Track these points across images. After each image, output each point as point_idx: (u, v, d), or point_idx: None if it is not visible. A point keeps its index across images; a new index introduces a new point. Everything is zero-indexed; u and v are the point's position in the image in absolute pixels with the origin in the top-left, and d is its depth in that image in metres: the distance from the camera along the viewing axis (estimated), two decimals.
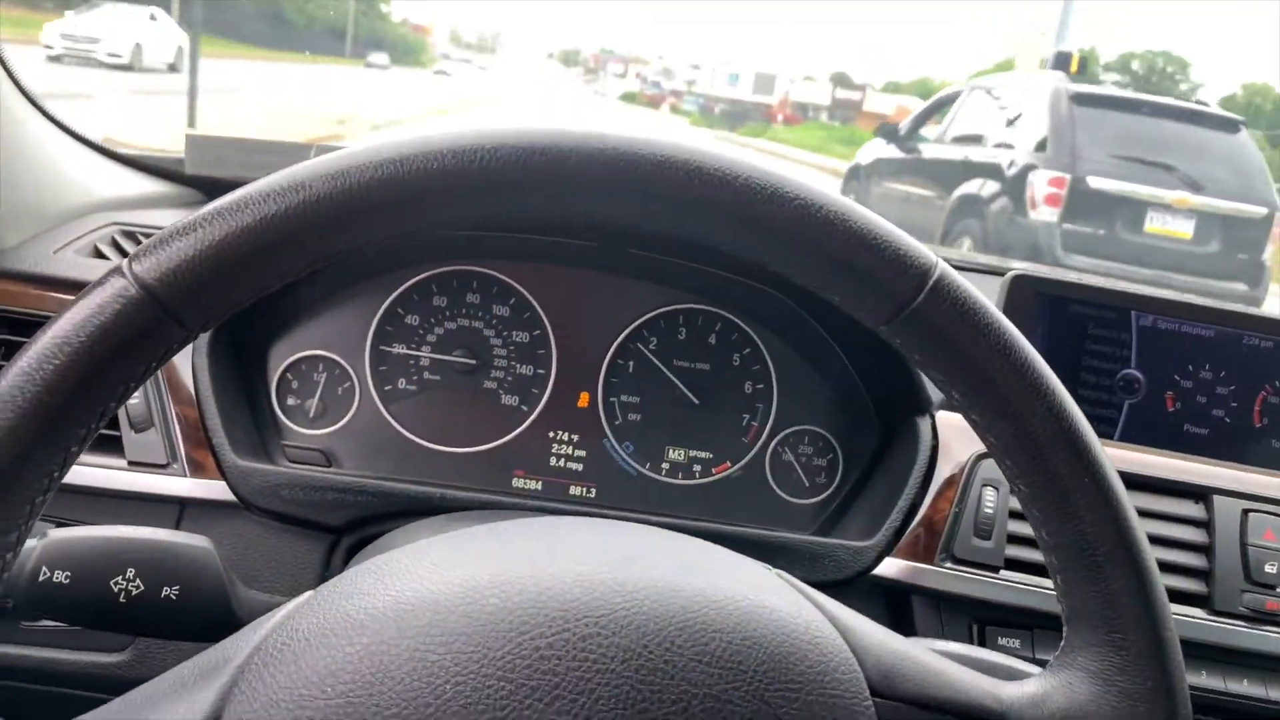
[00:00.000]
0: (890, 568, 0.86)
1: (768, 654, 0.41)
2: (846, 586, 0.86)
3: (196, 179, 1.09)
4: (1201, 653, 0.84)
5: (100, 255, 0.90)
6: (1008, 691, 0.46)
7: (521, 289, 0.93)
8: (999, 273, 1.24)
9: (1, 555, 0.38)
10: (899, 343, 0.46)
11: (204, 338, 0.82)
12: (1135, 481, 0.89)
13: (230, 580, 0.59)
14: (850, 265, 0.44)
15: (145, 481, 0.79)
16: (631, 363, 0.94)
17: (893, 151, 6.82)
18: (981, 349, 0.45)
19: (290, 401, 0.90)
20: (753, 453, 0.95)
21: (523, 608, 0.40)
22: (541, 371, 0.93)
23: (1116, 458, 0.92)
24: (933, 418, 0.90)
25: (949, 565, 0.85)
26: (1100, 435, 1.01)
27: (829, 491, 0.96)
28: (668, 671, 0.39)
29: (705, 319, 0.95)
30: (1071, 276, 1.04)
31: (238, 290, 0.40)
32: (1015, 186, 5.27)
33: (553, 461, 0.93)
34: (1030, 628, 0.84)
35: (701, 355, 0.95)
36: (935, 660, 0.46)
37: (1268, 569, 0.85)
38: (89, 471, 0.78)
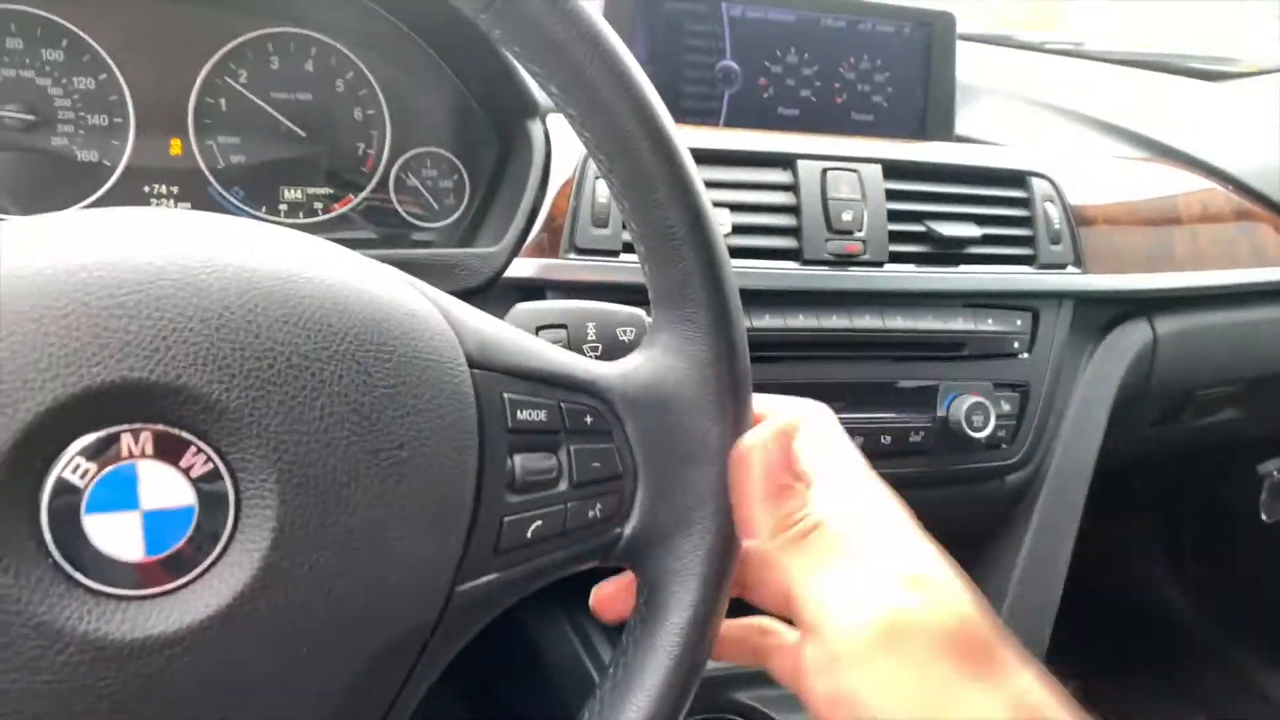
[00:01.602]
0: (522, 268, 0.89)
1: (360, 319, 0.41)
2: (484, 293, 0.89)
3: None
4: (797, 299, 0.95)
5: None
6: (599, 367, 0.49)
7: (73, 28, 0.82)
8: None
9: None
10: (497, 34, 0.45)
11: None
12: (731, 157, 0.96)
13: None
14: None
15: None
16: (222, 100, 0.87)
17: None
18: (572, 38, 0.45)
19: None
20: (374, 181, 0.93)
21: (97, 266, 0.37)
22: (119, 120, 0.84)
23: (716, 138, 0.98)
24: (543, 121, 0.91)
25: (574, 256, 0.90)
26: (706, 124, 1.08)
27: (459, 211, 0.96)
28: (251, 331, 0.38)
29: (296, 43, 0.89)
30: None
31: None
32: None
33: None
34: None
35: (301, 84, 0.90)
36: (535, 340, 0.49)
37: (845, 217, 0.96)
38: None
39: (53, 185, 0.83)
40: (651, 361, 0.50)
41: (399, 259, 0.85)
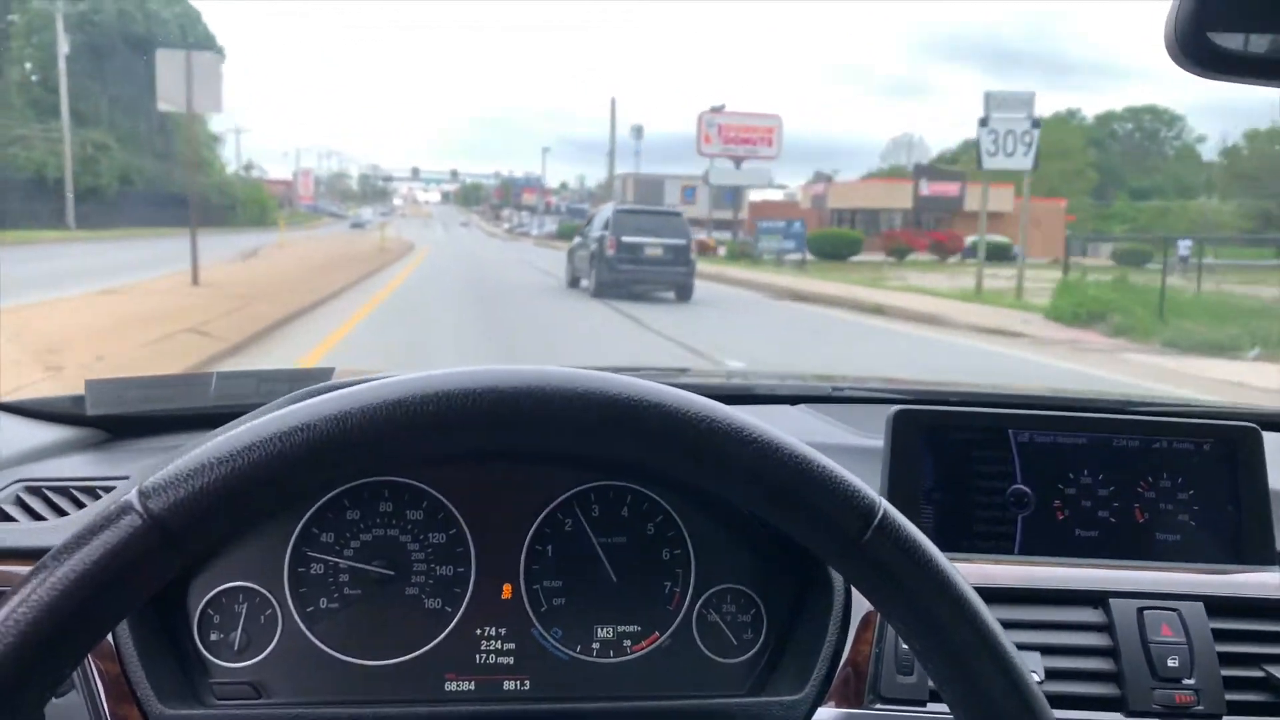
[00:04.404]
0: (824, 717, 0.88)
1: None
2: None
3: (99, 419, 1.10)
4: None
5: (7, 518, 0.89)
6: None
7: (433, 491, 0.95)
8: (887, 400, 1.31)
9: None
10: (846, 574, 0.50)
11: None
12: (1037, 596, 0.94)
13: None
14: (806, 504, 0.49)
15: None
16: (549, 547, 0.96)
17: (578, 238, 17.20)
18: (922, 585, 0.49)
19: (213, 637, 0.90)
20: (679, 619, 0.98)
21: None
22: (462, 570, 0.95)
23: (1016, 575, 0.97)
24: None
25: (878, 706, 0.88)
26: (1000, 551, 1.06)
27: (757, 647, 0.98)
28: None
29: (616, 493, 0.99)
30: (949, 405, 1.11)
31: (241, 519, 0.43)
32: (602, 244, 15.14)
33: (482, 659, 0.94)
34: None
35: (617, 530, 0.98)
36: None
37: (1170, 663, 0.90)
38: None
39: (400, 632, 0.92)
40: None
41: (710, 709, 0.88)
